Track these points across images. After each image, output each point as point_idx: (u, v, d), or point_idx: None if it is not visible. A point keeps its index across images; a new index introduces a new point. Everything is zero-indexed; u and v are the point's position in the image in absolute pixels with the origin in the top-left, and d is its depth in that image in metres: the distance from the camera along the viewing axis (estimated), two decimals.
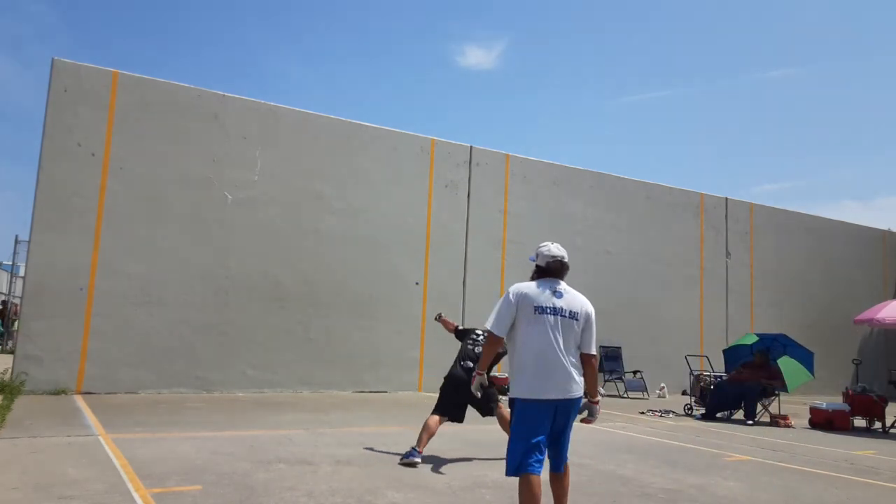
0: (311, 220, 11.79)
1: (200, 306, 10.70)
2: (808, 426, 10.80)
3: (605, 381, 14.48)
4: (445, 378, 6.42)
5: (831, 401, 11.66)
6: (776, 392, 11.35)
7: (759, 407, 11.15)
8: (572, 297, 3.83)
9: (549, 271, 3.86)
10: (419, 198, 12.92)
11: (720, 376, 12.49)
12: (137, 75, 10.66)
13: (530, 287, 3.81)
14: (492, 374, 11.52)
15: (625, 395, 14.24)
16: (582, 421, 3.97)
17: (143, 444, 6.20)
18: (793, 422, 10.88)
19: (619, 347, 14.84)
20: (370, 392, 11.93)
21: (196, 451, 5.89)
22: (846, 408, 10.87)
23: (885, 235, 20.34)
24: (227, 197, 11.10)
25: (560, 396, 3.66)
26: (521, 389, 3.69)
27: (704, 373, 13.28)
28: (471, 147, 13.58)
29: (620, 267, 15.20)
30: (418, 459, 5.83)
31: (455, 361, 6.43)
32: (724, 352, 12.77)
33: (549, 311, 3.71)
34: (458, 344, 6.71)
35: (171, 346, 10.39)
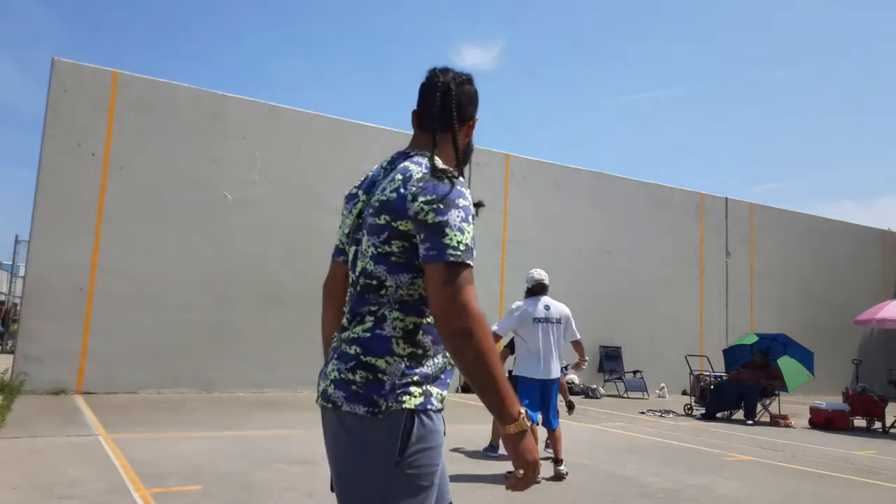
0: (310, 219, 11.79)
1: (200, 306, 10.69)
2: (808, 426, 10.80)
3: (606, 381, 14.48)
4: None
5: (831, 401, 11.66)
6: (776, 392, 11.35)
7: (759, 407, 11.15)
8: (555, 307, 5.82)
9: (535, 290, 5.86)
10: None
11: (720, 376, 12.49)
12: (137, 75, 10.66)
13: (529, 303, 5.79)
14: None
15: (625, 395, 14.23)
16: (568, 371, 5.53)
17: (143, 444, 6.20)
18: (793, 422, 10.88)
19: (619, 347, 14.84)
20: None
21: (196, 451, 5.89)
22: (846, 408, 10.87)
23: (885, 235, 20.34)
24: (227, 197, 11.10)
25: (544, 377, 5.66)
26: (522, 371, 5.73)
27: (704, 373, 13.28)
28: None
29: (620, 267, 15.19)
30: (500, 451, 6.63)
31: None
32: (724, 352, 12.77)
33: (542, 320, 5.70)
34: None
35: (171, 346, 10.39)
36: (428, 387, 1.56)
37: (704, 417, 11.20)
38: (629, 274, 15.29)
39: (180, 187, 10.72)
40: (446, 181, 1.57)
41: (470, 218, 1.57)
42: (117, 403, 8.91)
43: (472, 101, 1.79)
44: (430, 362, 1.59)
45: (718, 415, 11.39)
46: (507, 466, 5.98)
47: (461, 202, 1.56)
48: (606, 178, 15.41)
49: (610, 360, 14.65)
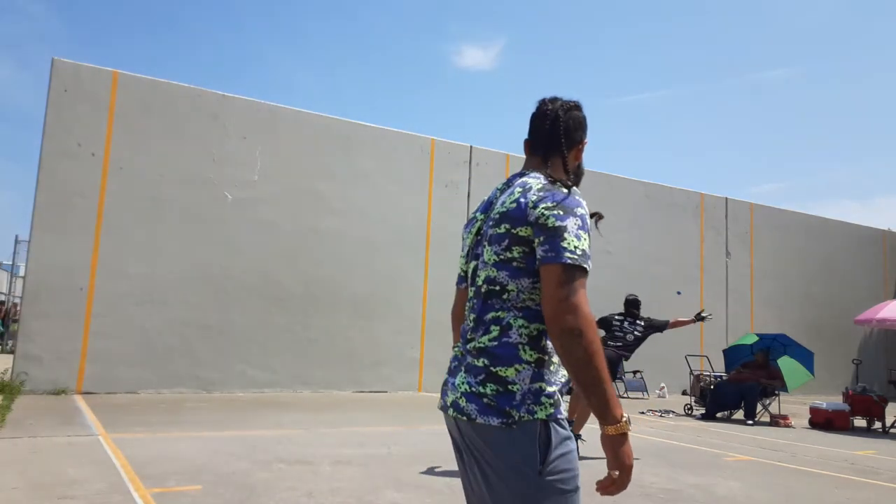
0: (310, 219, 11.79)
1: (200, 306, 10.69)
2: (808, 426, 10.79)
3: None
4: None
5: (831, 401, 11.66)
6: (776, 392, 11.35)
7: (759, 407, 11.15)
8: None
9: None
10: (419, 198, 12.92)
11: (720, 376, 12.48)
12: (137, 75, 10.66)
13: None
14: None
15: (625, 395, 14.23)
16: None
17: (143, 444, 6.20)
18: (793, 422, 10.88)
19: None
20: (370, 392, 11.93)
21: (196, 451, 5.89)
22: (846, 408, 10.86)
23: (885, 235, 20.34)
24: (227, 196, 11.10)
25: None
26: None
27: (704, 373, 13.28)
28: (471, 147, 13.58)
29: (620, 267, 15.19)
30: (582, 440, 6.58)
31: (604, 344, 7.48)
32: (724, 352, 12.76)
33: None
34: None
35: (171, 346, 10.39)
36: (557, 396, 1.62)
37: (704, 417, 11.19)
38: (629, 274, 15.28)
39: (180, 187, 10.72)
40: (564, 190, 1.66)
41: (586, 226, 1.64)
42: (117, 403, 8.91)
43: (579, 125, 1.87)
44: (555, 367, 1.66)
45: (718, 415, 11.39)
46: None
47: (579, 211, 1.63)
48: (606, 178, 15.41)
49: (609, 360, 14.64)
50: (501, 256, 1.67)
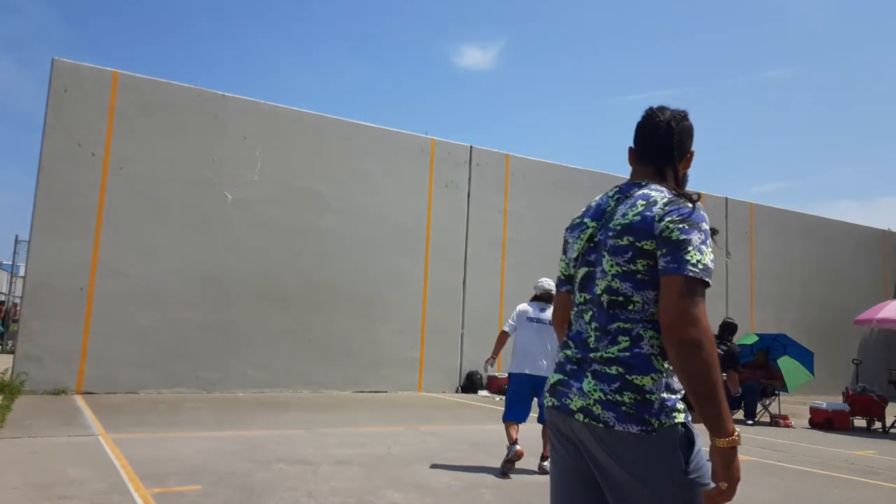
0: (311, 220, 11.79)
1: (200, 306, 10.69)
2: (808, 426, 10.79)
3: None
4: None
5: (831, 401, 11.66)
6: (776, 392, 11.34)
7: (759, 407, 11.14)
8: (550, 311, 5.94)
9: (539, 298, 6.24)
10: (419, 198, 12.92)
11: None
12: (137, 75, 10.66)
13: (529, 305, 6.24)
14: (495, 374, 12.21)
15: None
16: None
17: (143, 444, 6.20)
18: (793, 422, 10.87)
19: None
20: (370, 392, 11.93)
21: (196, 451, 5.89)
22: (846, 408, 10.86)
23: (885, 235, 20.33)
24: (227, 197, 11.10)
25: (532, 373, 5.90)
26: (512, 367, 6.08)
27: None
28: (471, 147, 13.57)
29: None
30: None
31: None
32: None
33: (535, 321, 6.10)
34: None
35: (171, 346, 10.39)
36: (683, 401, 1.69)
37: None
38: None
39: (180, 187, 10.72)
40: (690, 204, 1.71)
41: (708, 241, 1.67)
42: (117, 403, 8.91)
43: (690, 135, 1.93)
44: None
45: None
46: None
47: (703, 225, 1.68)
48: (606, 178, 15.39)
49: None
50: (625, 268, 1.71)
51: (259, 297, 11.19)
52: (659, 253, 1.65)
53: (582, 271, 1.86)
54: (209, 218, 10.91)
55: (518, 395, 5.96)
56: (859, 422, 11.04)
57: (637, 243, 1.69)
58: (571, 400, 1.75)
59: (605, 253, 1.77)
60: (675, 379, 1.68)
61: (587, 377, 1.73)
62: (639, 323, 1.69)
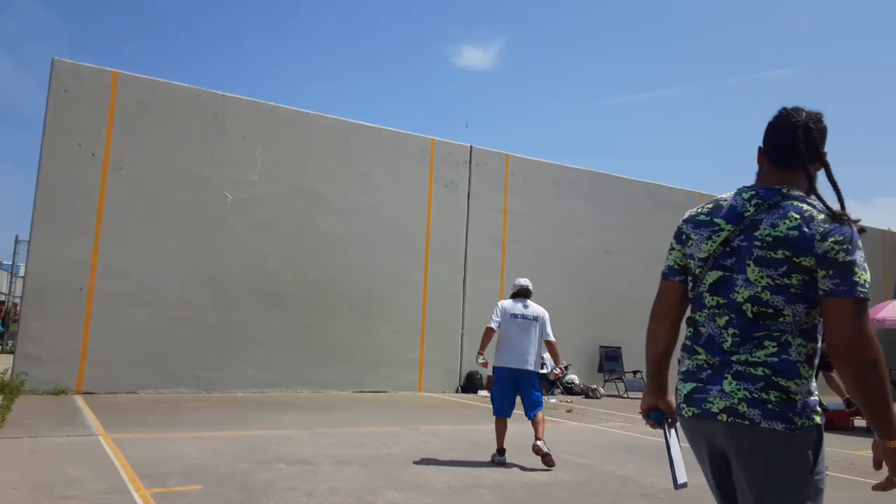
0: (310, 220, 11.79)
1: (200, 306, 10.69)
2: None
3: (606, 381, 14.48)
4: None
5: (831, 401, 11.65)
6: None
7: None
8: (533, 307, 6.46)
9: (517, 293, 6.53)
10: (419, 198, 12.92)
11: None
12: (137, 75, 10.66)
13: (510, 301, 6.50)
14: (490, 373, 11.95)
15: (625, 395, 14.23)
16: (549, 375, 8.12)
17: (143, 444, 6.20)
18: None
19: (619, 347, 14.83)
20: (370, 392, 11.93)
21: (196, 451, 5.89)
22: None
23: (885, 235, 20.34)
24: (227, 197, 11.10)
25: (517, 366, 6.21)
26: (497, 361, 6.32)
27: None
28: (471, 147, 13.57)
29: (620, 267, 15.19)
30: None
31: None
32: None
33: (518, 316, 6.34)
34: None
35: (171, 346, 10.39)
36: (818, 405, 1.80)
37: None
38: (629, 274, 15.28)
39: (180, 187, 10.72)
40: (850, 224, 1.75)
41: (864, 258, 1.75)
42: (117, 403, 8.91)
43: (824, 137, 1.96)
44: (816, 382, 1.82)
45: None
46: (503, 469, 5.99)
47: (860, 244, 1.74)
48: (606, 178, 15.41)
49: (610, 360, 14.64)
50: (778, 282, 1.75)
51: (259, 297, 11.19)
52: (822, 273, 1.70)
53: (715, 274, 1.87)
54: (209, 218, 10.91)
55: (501, 390, 6.28)
56: (859, 422, 11.05)
57: (795, 259, 1.73)
58: (713, 403, 1.81)
59: (749, 262, 1.80)
60: (815, 383, 1.78)
61: (727, 378, 1.80)
62: (788, 332, 1.76)
